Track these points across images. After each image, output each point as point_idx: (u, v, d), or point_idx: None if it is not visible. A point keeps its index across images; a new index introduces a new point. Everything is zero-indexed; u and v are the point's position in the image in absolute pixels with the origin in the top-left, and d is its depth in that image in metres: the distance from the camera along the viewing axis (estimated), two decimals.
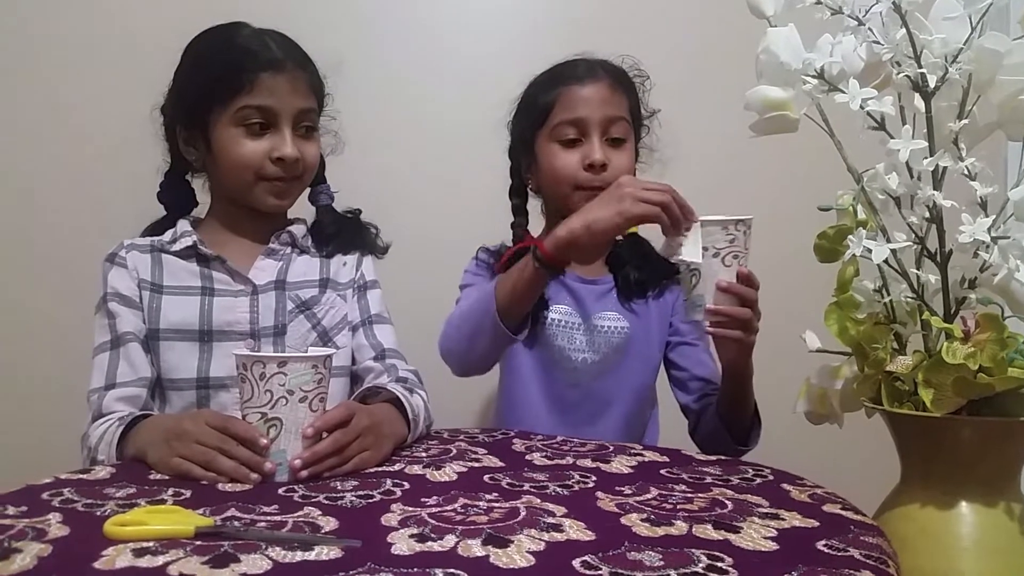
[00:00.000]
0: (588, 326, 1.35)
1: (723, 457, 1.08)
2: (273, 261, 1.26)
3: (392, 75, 1.91)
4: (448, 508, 0.81)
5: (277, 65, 1.19)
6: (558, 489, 0.89)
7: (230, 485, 0.89)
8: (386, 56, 1.91)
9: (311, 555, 0.67)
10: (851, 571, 0.65)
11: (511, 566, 0.65)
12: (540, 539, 0.72)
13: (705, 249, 1.05)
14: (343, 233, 1.32)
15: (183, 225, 1.25)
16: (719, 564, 0.66)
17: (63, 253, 1.82)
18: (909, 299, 0.90)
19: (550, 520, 0.77)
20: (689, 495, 0.87)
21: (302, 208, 1.33)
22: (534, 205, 1.44)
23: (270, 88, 1.18)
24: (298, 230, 1.29)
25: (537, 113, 1.35)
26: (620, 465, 1.02)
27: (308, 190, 1.32)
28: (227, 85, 1.17)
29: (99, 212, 1.76)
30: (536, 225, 1.43)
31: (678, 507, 0.83)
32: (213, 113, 1.19)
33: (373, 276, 1.33)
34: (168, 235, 1.24)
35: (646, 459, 1.05)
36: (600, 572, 0.64)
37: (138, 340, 1.17)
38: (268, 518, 0.77)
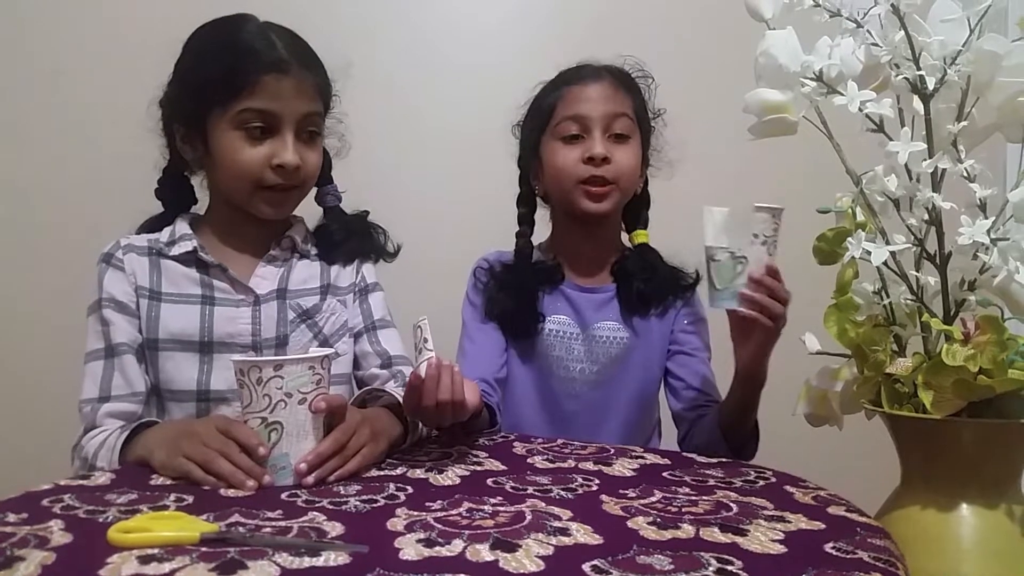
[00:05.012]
0: (587, 336, 1.34)
1: (724, 459, 1.08)
2: (274, 268, 1.22)
3: (393, 81, 1.90)
4: (453, 512, 0.81)
5: (282, 66, 1.12)
6: (562, 492, 0.89)
7: (232, 491, 0.88)
8: (387, 61, 1.91)
9: (319, 561, 0.67)
10: (861, 573, 0.65)
11: (521, 571, 0.65)
12: (548, 543, 0.72)
13: (755, 236, 1.01)
14: (350, 241, 1.28)
15: (182, 226, 1.20)
16: (729, 567, 0.66)
17: (62, 256, 1.79)
18: (909, 301, 0.90)
19: (557, 524, 0.77)
20: (693, 498, 0.88)
21: (307, 209, 1.30)
22: (541, 215, 1.42)
23: (274, 91, 1.11)
24: (298, 233, 1.26)
25: (541, 115, 1.35)
26: (622, 468, 1.02)
27: (315, 190, 1.27)
28: (228, 86, 1.11)
29: (98, 212, 1.74)
30: (541, 233, 1.43)
31: (683, 510, 0.83)
32: (212, 114, 1.13)
33: (374, 279, 1.30)
34: (166, 235, 1.20)
35: (647, 462, 1.05)
36: None
37: (132, 351, 1.14)
38: (272, 523, 0.77)
